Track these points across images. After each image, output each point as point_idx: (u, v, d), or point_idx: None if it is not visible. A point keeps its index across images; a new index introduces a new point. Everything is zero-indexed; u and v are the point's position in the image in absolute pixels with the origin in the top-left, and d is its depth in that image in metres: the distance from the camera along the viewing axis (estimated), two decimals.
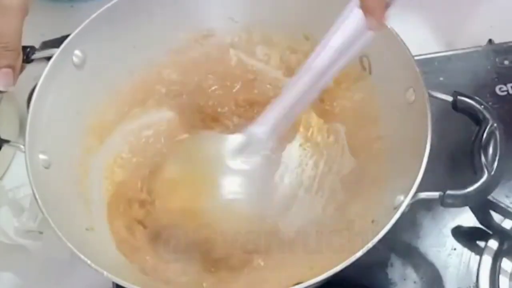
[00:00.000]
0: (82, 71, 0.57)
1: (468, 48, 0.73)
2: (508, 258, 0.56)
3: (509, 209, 0.57)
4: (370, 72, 0.59)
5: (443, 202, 0.47)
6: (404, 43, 0.54)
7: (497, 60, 0.71)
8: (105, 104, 0.61)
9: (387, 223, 0.46)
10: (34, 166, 0.50)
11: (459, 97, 0.51)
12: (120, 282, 0.45)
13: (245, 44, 0.65)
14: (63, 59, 0.55)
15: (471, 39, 0.75)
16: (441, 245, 0.60)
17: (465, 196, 0.47)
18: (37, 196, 0.48)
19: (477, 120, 0.50)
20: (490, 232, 0.58)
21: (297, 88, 0.53)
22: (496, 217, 0.58)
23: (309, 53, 0.61)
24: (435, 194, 0.47)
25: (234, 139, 0.57)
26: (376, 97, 0.58)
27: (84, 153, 0.58)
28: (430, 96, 0.51)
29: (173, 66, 0.64)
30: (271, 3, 0.62)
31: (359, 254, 0.45)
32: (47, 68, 0.54)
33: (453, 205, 0.48)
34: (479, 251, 0.58)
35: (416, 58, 0.53)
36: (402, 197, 0.47)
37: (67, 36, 0.56)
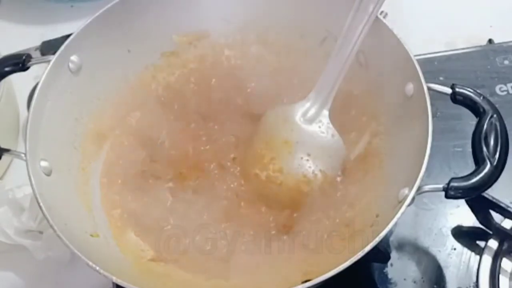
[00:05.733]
0: (79, 77, 0.57)
1: (468, 48, 0.73)
2: (508, 258, 0.56)
3: (509, 209, 0.57)
4: (366, 68, 0.59)
5: (447, 194, 0.47)
6: (400, 39, 0.54)
7: (497, 60, 0.71)
8: (103, 109, 0.61)
9: (392, 217, 0.46)
10: (35, 173, 0.51)
11: (458, 89, 0.51)
12: (131, 287, 0.45)
13: (240, 45, 0.65)
14: (60, 66, 0.55)
15: (471, 39, 0.75)
16: (441, 245, 0.60)
17: (469, 187, 0.47)
18: (41, 204, 0.49)
19: (477, 111, 0.50)
20: (490, 232, 0.58)
21: (340, 54, 0.57)
22: (496, 217, 0.58)
23: (304, 52, 0.62)
24: (439, 187, 0.47)
25: (302, 105, 0.59)
26: (375, 92, 0.59)
27: (84, 159, 0.58)
28: (429, 89, 0.51)
29: (168, 69, 0.64)
30: (265, 3, 0.62)
31: (371, 245, 0.45)
32: (44, 75, 0.54)
33: (457, 197, 0.48)
34: (479, 251, 0.58)
35: (416, 58, 0.53)
36: (406, 191, 0.48)
37: (67, 36, 0.56)
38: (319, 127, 0.58)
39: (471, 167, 0.48)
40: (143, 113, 0.63)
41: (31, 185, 0.50)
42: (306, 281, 0.45)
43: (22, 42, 0.77)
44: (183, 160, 0.61)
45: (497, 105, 0.50)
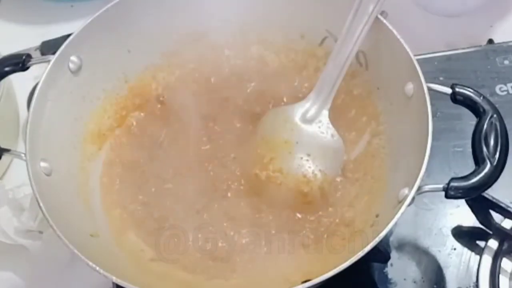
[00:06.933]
0: (79, 77, 0.57)
1: (468, 48, 0.73)
2: (508, 258, 0.56)
3: (509, 209, 0.57)
4: (366, 68, 0.59)
5: (447, 194, 0.47)
6: (400, 39, 0.54)
7: (497, 60, 0.71)
8: (103, 109, 0.61)
9: (392, 217, 0.46)
10: (35, 173, 0.51)
11: (458, 89, 0.51)
12: (131, 287, 0.45)
13: (240, 45, 0.65)
14: (60, 66, 0.55)
15: (471, 39, 0.75)
16: (441, 245, 0.60)
17: (469, 187, 0.47)
18: (41, 204, 0.48)
19: (477, 111, 0.50)
20: (490, 232, 0.58)
21: (340, 54, 0.57)
22: (496, 217, 0.58)
23: (304, 52, 0.63)
24: (439, 187, 0.47)
25: (302, 105, 0.59)
26: (375, 92, 0.59)
27: (84, 159, 0.58)
28: (429, 89, 0.51)
29: (168, 69, 0.64)
30: (265, 3, 0.62)
31: (371, 245, 0.45)
32: (44, 75, 0.54)
33: (457, 197, 0.48)
34: (479, 251, 0.58)
35: (416, 58, 0.53)
36: (406, 191, 0.48)
37: (67, 36, 0.56)
38: (319, 127, 0.58)
39: (471, 167, 0.48)
40: (143, 113, 0.63)
41: (31, 185, 0.50)
42: (306, 281, 0.45)
43: (22, 42, 0.77)
44: (183, 160, 0.61)
45: (497, 105, 0.50)
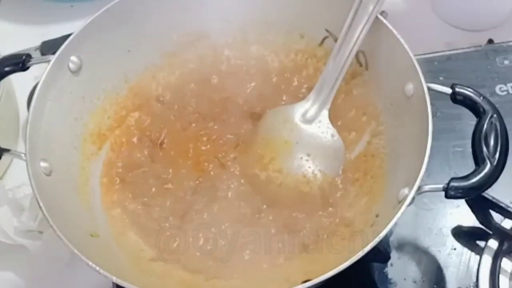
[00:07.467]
0: (79, 77, 0.57)
1: (468, 48, 0.73)
2: (508, 258, 0.56)
3: (509, 209, 0.57)
4: (366, 68, 0.59)
5: (447, 194, 0.47)
6: (400, 39, 0.54)
7: (497, 60, 0.71)
8: (103, 109, 0.61)
9: (392, 217, 0.46)
10: (35, 173, 0.51)
11: (458, 89, 0.51)
12: (131, 287, 0.45)
13: (240, 45, 0.65)
14: (60, 66, 0.55)
15: (471, 39, 0.75)
16: (441, 245, 0.60)
17: (469, 187, 0.47)
18: (41, 204, 0.48)
19: (477, 111, 0.50)
20: (490, 232, 0.58)
21: (340, 54, 0.57)
22: (496, 217, 0.58)
23: (304, 52, 0.63)
24: (439, 187, 0.47)
25: (302, 105, 0.59)
26: (375, 92, 0.59)
27: (84, 159, 0.58)
28: (429, 89, 0.51)
29: (168, 69, 0.64)
30: (265, 3, 0.62)
31: (371, 245, 0.45)
32: (44, 75, 0.54)
33: (457, 197, 0.48)
34: (479, 251, 0.58)
35: (416, 58, 0.53)
36: (406, 190, 0.48)
37: (67, 36, 0.56)
38: (319, 127, 0.59)
39: (471, 167, 0.48)
40: (143, 113, 0.63)
41: (31, 185, 0.50)
42: (306, 281, 0.45)
43: (22, 42, 0.77)
44: (183, 160, 0.61)
45: (497, 105, 0.50)
